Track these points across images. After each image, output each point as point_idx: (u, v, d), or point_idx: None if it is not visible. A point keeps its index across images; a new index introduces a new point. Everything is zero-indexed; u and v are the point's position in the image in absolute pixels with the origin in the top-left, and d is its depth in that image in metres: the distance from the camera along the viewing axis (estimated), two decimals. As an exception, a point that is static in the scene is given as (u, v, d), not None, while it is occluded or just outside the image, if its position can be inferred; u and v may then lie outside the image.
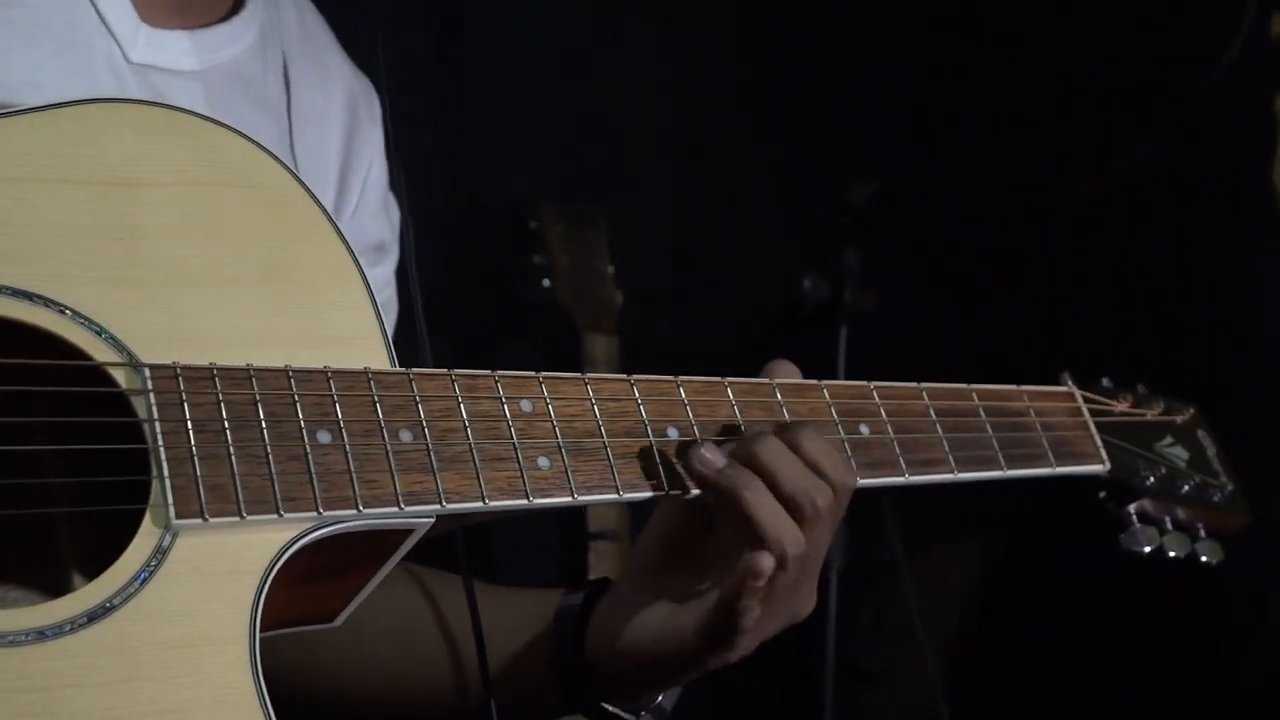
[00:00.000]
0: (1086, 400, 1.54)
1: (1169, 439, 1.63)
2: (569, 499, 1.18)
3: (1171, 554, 1.57)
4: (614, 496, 1.20)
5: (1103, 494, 1.55)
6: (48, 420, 1.02)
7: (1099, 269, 2.90)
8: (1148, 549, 1.56)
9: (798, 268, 2.48)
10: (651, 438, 1.22)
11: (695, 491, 1.21)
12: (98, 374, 1.03)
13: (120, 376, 1.03)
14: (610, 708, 1.26)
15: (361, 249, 1.35)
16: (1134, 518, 1.55)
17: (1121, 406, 1.60)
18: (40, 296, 1.04)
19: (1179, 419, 1.64)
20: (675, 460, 1.22)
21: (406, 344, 1.28)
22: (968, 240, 2.91)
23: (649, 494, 1.20)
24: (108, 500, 1.02)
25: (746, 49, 3.02)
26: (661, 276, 2.81)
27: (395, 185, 1.43)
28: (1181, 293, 2.79)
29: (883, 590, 2.56)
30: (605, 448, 1.20)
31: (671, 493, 1.21)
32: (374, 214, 1.41)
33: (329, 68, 1.42)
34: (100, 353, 1.04)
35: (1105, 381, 1.63)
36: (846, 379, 2.51)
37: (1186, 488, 1.58)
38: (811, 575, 1.23)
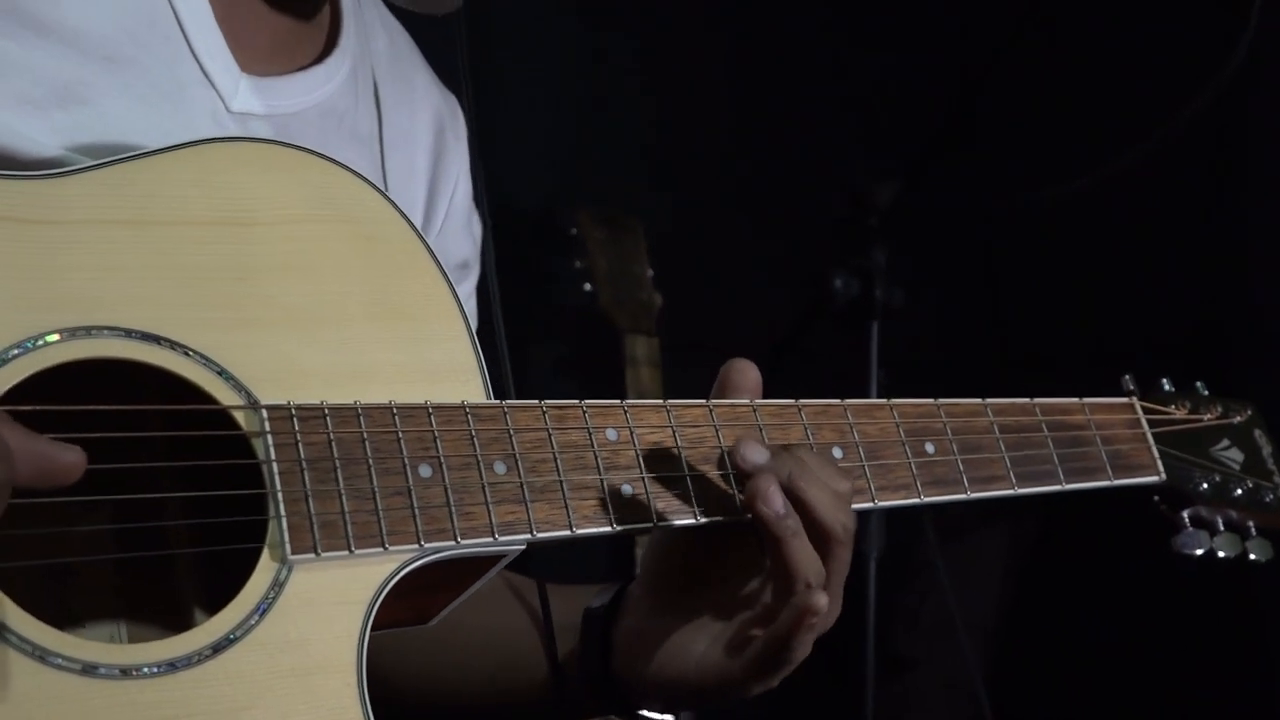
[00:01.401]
0: (1146, 411, 1.59)
1: (1225, 442, 1.67)
2: (650, 524, 1.25)
3: (1222, 555, 1.63)
4: (691, 521, 1.27)
5: (1157, 498, 1.61)
6: (181, 465, 1.10)
7: (1126, 259, 2.93)
8: (1199, 552, 1.62)
9: (828, 266, 2.54)
10: (728, 466, 1.29)
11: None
12: (221, 415, 1.11)
13: (240, 418, 1.11)
14: (648, 715, 1.33)
15: (448, 267, 1.42)
16: (1187, 521, 1.61)
17: (1180, 413, 1.65)
18: (166, 339, 1.11)
19: (1236, 419, 1.69)
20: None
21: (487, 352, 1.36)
22: (991, 234, 2.95)
23: (722, 519, 1.27)
24: (223, 533, 1.10)
25: (771, 51, 3.08)
26: (695, 278, 2.86)
27: (477, 198, 1.49)
28: (1211, 281, 2.83)
29: (922, 578, 2.64)
30: (686, 476, 1.27)
31: (745, 518, 1.28)
32: (458, 232, 1.47)
33: (416, 89, 1.46)
34: (222, 393, 1.11)
35: (1165, 383, 1.67)
36: (879, 374, 2.57)
37: (1239, 491, 1.64)
38: (837, 587, 1.28)
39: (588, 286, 2.66)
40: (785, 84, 3.04)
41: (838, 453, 1.35)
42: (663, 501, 1.25)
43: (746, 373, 1.34)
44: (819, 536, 1.24)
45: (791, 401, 1.36)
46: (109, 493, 1.08)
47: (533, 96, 2.79)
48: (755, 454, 1.24)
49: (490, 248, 1.47)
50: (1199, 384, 1.72)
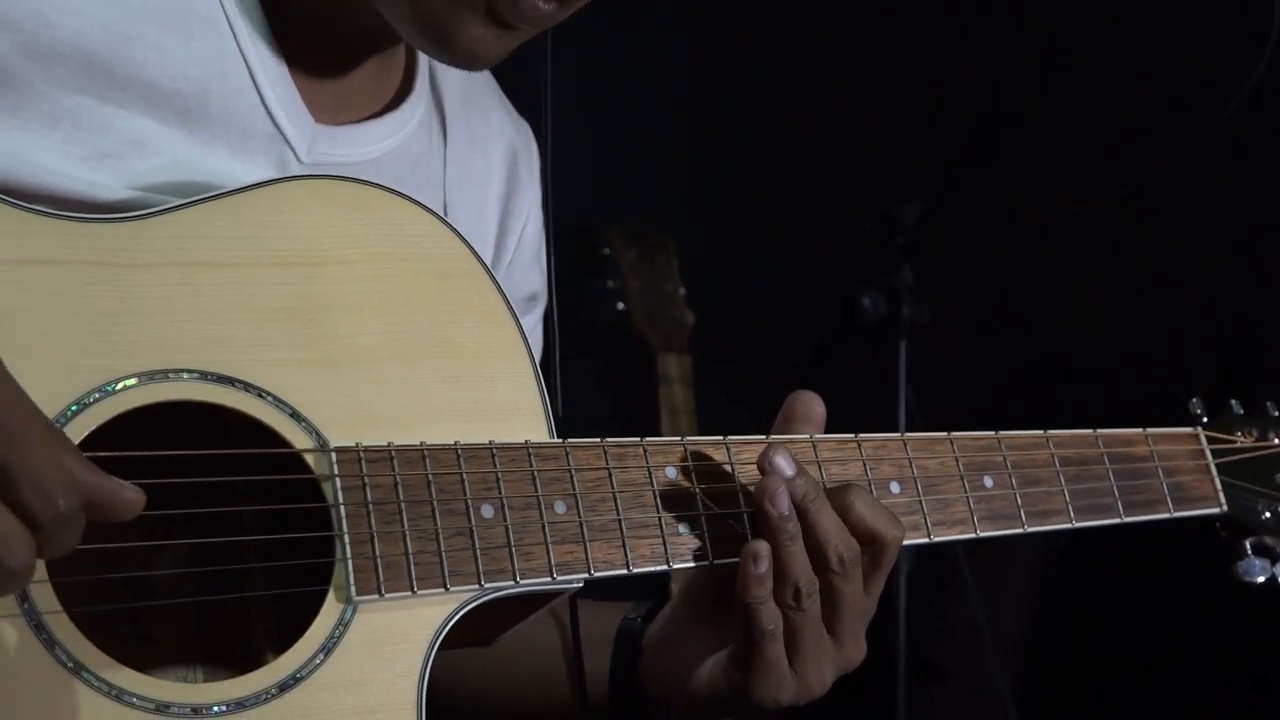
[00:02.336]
0: (1210, 440, 1.59)
1: (1291, 467, 1.67)
2: (706, 563, 1.28)
3: None
4: (746, 558, 1.29)
5: (1218, 525, 1.62)
6: (252, 510, 1.14)
7: (1152, 269, 2.91)
8: (1261, 580, 1.62)
9: (856, 285, 2.56)
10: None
11: None
12: (292, 458, 1.14)
13: (310, 460, 1.14)
14: None
15: (515, 301, 1.44)
16: (1249, 550, 1.61)
17: (1246, 440, 1.65)
18: (240, 381, 1.14)
19: None
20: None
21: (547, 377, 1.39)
22: (1016, 249, 2.95)
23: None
24: (295, 573, 1.14)
25: (800, 72, 3.08)
26: (725, 295, 2.89)
27: (545, 230, 1.50)
28: (1239, 288, 2.80)
29: (954, 587, 2.65)
30: (744, 514, 1.29)
31: None
32: (528, 265, 1.48)
33: (490, 126, 1.46)
34: (294, 435, 1.14)
35: (1234, 404, 1.67)
36: (908, 392, 2.57)
37: None
38: (858, 625, 1.30)
39: (621, 306, 2.70)
40: (814, 105, 3.08)
41: (895, 488, 1.36)
42: (719, 539, 1.27)
43: (811, 405, 1.36)
44: (815, 556, 1.25)
45: (851, 436, 1.37)
46: (185, 536, 1.12)
47: (567, 118, 2.82)
48: (780, 459, 1.26)
49: (552, 279, 1.49)
50: (1269, 404, 1.71)
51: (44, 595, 1.03)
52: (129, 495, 0.98)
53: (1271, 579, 1.63)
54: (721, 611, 1.30)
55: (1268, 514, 1.61)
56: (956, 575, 2.63)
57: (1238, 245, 2.94)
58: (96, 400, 1.09)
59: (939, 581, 2.70)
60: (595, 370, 2.83)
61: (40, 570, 1.02)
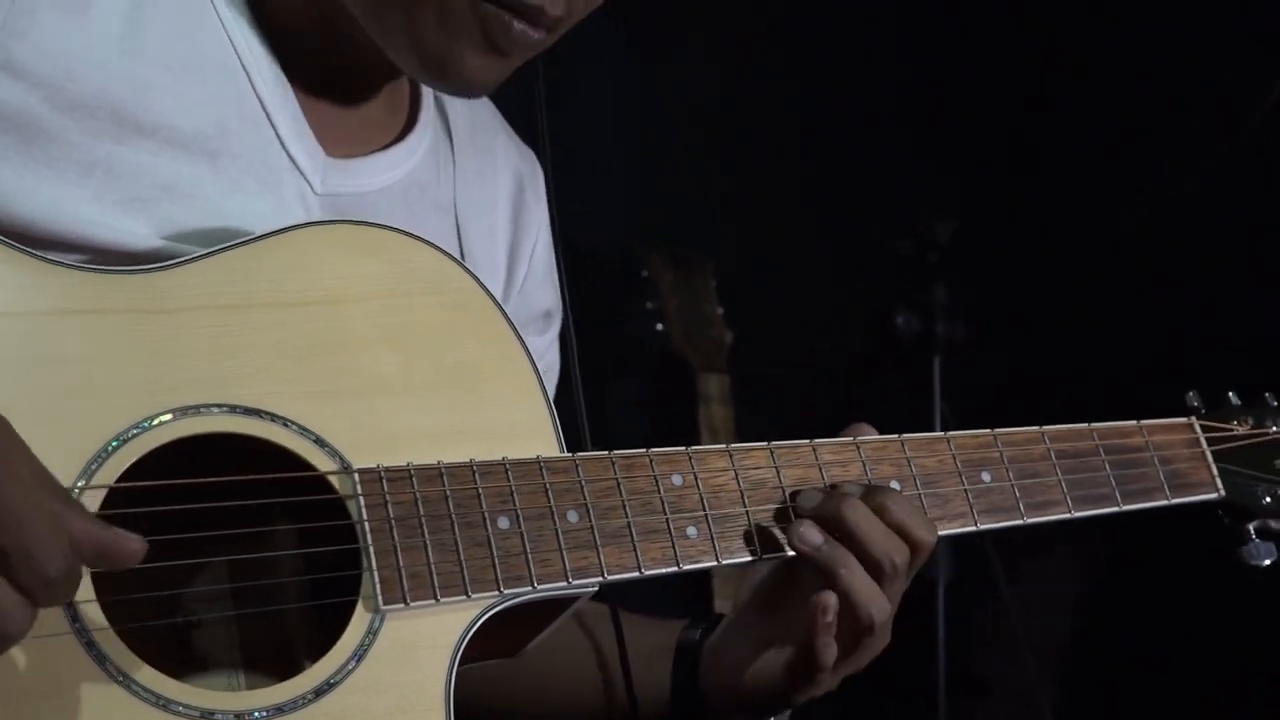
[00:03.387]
0: (1205, 429, 1.65)
1: (1290, 454, 1.72)
2: (714, 562, 1.35)
3: None
4: (751, 558, 1.37)
5: (1220, 513, 1.67)
6: (283, 529, 1.24)
7: (1183, 283, 2.95)
8: (1267, 562, 1.67)
9: (890, 303, 2.62)
10: (789, 502, 1.39)
11: None
12: (318, 480, 1.23)
13: (335, 481, 1.23)
14: None
15: (529, 319, 1.53)
16: (1253, 534, 1.66)
17: (1243, 428, 1.70)
18: (268, 412, 1.24)
19: None
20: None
21: (567, 398, 1.47)
22: (1051, 264, 3.00)
23: (783, 554, 1.37)
24: (328, 586, 1.23)
25: (833, 94, 3.16)
26: (762, 315, 2.97)
27: (555, 250, 1.59)
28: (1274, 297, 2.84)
29: (995, 598, 2.70)
30: (747, 514, 1.37)
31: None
32: (539, 284, 1.56)
33: (496, 152, 1.55)
34: (320, 460, 1.24)
35: (1232, 396, 1.72)
36: (943, 408, 2.64)
37: None
38: (890, 620, 1.39)
39: (660, 326, 2.78)
40: (848, 125, 3.15)
41: (895, 485, 1.44)
42: (725, 541, 1.35)
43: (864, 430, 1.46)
44: (870, 568, 1.34)
45: (850, 440, 1.45)
46: (221, 554, 1.22)
47: (603, 144, 2.92)
48: (807, 501, 1.37)
49: (566, 304, 1.56)
50: (1268, 395, 1.76)
51: (93, 613, 1.12)
52: (132, 546, 1.06)
53: (1278, 561, 1.68)
54: (766, 609, 1.41)
55: (1268, 499, 1.65)
56: (994, 586, 2.68)
57: (1273, 251, 2.97)
58: (135, 435, 1.19)
59: (978, 592, 2.75)
60: (636, 390, 2.92)
61: (89, 590, 1.11)
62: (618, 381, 2.92)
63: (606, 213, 2.93)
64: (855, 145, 3.15)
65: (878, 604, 1.35)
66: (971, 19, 3.12)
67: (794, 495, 1.38)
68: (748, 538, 1.36)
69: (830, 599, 1.33)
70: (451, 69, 1.31)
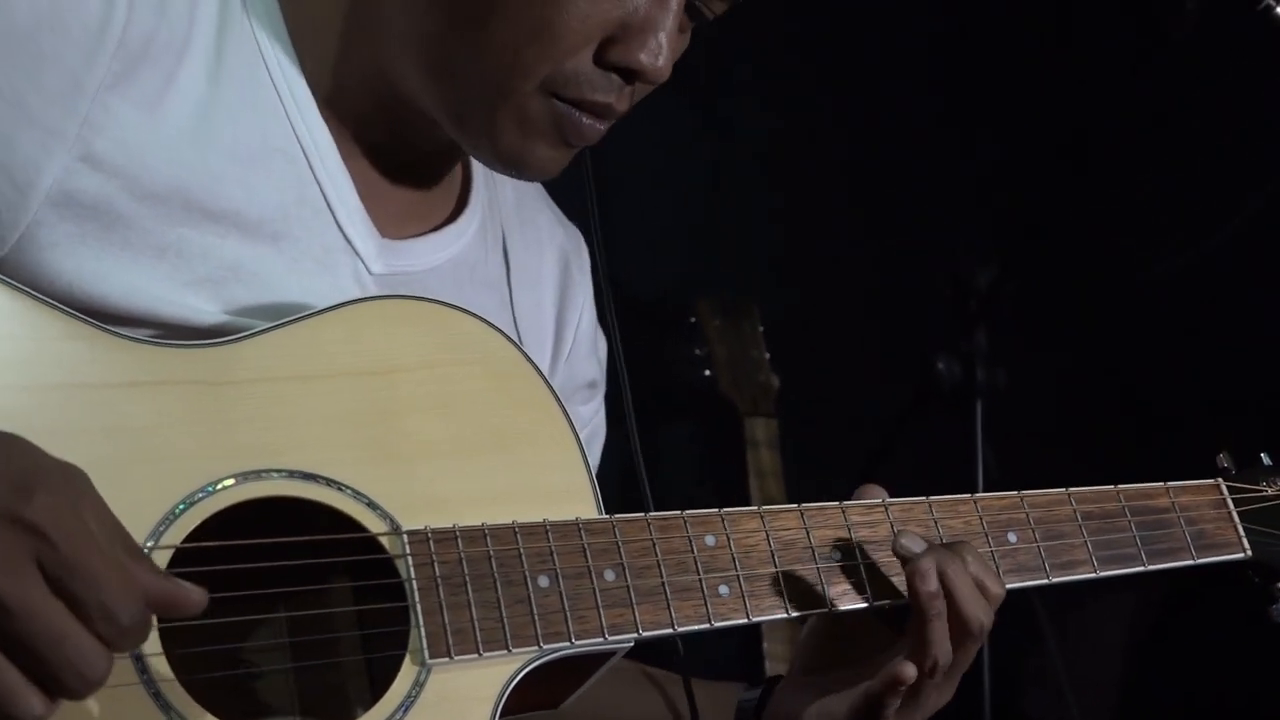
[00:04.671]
0: (1233, 490, 1.69)
1: (1318, 515, 1.76)
2: (745, 620, 1.42)
3: None
4: (784, 615, 1.43)
5: (1250, 572, 1.71)
6: (341, 586, 1.32)
7: (1225, 329, 2.97)
8: None
9: (932, 350, 2.67)
10: (817, 563, 1.45)
11: (845, 608, 1.44)
12: (370, 541, 1.31)
13: (385, 542, 1.31)
14: None
15: (575, 388, 1.61)
16: None
17: (1272, 490, 1.74)
18: (323, 477, 1.32)
19: None
20: (841, 578, 1.45)
21: (622, 443, 1.54)
22: (1091, 310, 3.04)
23: (813, 611, 1.44)
24: (378, 640, 1.31)
25: (866, 137, 3.21)
26: (808, 360, 3.03)
27: (604, 318, 1.66)
28: None
29: (1040, 645, 2.73)
30: (778, 574, 1.43)
31: (833, 609, 1.44)
32: (585, 356, 1.64)
33: (541, 229, 1.63)
34: (370, 521, 1.32)
35: (1264, 457, 1.77)
36: (987, 453, 2.68)
37: None
38: (956, 676, 1.45)
39: (707, 372, 2.84)
40: (891, 174, 3.21)
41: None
42: (756, 599, 1.42)
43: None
44: (958, 626, 1.40)
45: (878, 501, 1.51)
46: (280, 610, 1.30)
47: (651, 192, 2.99)
48: (913, 543, 1.42)
49: (622, 366, 1.63)
50: (1301, 454, 1.80)
51: (159, 666, 1.21)
52: (195, 596, 1.14)
53: (1307, 620, 1.72)
54: (827, 665, 1.48)
55: (1296, 559, 1.70)
56: (1041, 628, 2.71)
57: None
58: (200, 499, 1.27)
59: (1028, 634, 2.78)
60: (684, 436, 2.98)
61: (156, 644, 1.19)
62: (667, 426, 2.99)
63: (656, 259, 3.01)
64: (898, 193, 3.22)
65: (945, 656, 1.40)
66: (1013, 69, 3.18)
67: (894, 539, 1.43)
68: (780, 595, 1.42)
69: (909, 671, 1.39)
70: (528, 163, 1.42)
